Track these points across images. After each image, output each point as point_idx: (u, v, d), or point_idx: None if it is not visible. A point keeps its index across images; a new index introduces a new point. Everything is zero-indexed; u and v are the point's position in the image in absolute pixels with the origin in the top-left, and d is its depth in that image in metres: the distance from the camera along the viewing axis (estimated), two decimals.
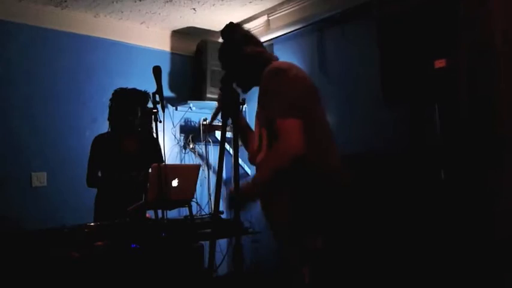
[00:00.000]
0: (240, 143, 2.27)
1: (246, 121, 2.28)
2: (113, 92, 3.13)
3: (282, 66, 2.05)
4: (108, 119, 3.14)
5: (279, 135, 1.88)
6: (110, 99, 3.13)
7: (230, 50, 2.14)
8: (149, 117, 3.04)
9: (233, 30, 2.18)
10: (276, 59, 2.16)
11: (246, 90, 2.21)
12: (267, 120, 1.98)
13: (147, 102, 3.08)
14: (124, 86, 3.16)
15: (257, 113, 2.11)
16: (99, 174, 3.10)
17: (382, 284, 2.95)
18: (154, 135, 2.43)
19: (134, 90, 3.11)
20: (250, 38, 2.18)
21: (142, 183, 2.87)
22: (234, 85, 2.07)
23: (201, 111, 4.50)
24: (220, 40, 2.23)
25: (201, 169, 3.73)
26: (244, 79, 2.15)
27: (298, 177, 1.92)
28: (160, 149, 3.19)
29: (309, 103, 2.00)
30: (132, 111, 3.06)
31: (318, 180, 1.93)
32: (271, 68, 2.02)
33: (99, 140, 3.12)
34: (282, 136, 1.87)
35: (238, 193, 1.83)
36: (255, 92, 2.14)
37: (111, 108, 3.13)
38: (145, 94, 3.07)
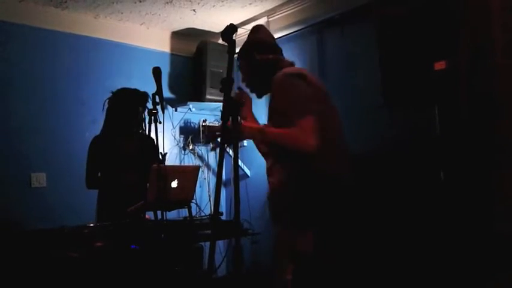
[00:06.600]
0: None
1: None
2: (113, 92, 3.12)
3: (292, 70, 2.11)
4: (106, 119, 3.12)
5: (298, 131, 1.93)
6: (109, 99, 3.11)
7: (244, 55, 2.24)
8: (146, 118, 3.07)
9: (254, 31, 2.27)
10: (291, 65, 2.20)
11: (259, 95, 2.30)
12: (281, 121, 2.01)
13: (147, 103, 3.08)
14: (124, 86, 3.16)
15: (269, 117, 2.15)
16: (99, 175, 3.10)
17: (380, 284, 2.95)
18: (153, 135, 2.43)
19: (136, 90, 3.11)
20: (263, 44, 2.22)
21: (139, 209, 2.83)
22: (249, 90, 2.25)
23: (200, 113, 4.50)
24: (220, 41, 2.26)
25: (200, 170, 3.73)
26: (257, 84, 2.25)
27: (305, 173, 1.98)
28: (158, 148, 3.19)
29: (320, 104, 2.04)
30: (135, 112, 3.07)
31: (322, 179, 1.98)
32: (280, 74, 2.06)
33: (98, 140, 3.11)
34: (302, 132, 1.92)
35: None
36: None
37: (110, 108, 3.11)
38: (145, 95, 3.07)
